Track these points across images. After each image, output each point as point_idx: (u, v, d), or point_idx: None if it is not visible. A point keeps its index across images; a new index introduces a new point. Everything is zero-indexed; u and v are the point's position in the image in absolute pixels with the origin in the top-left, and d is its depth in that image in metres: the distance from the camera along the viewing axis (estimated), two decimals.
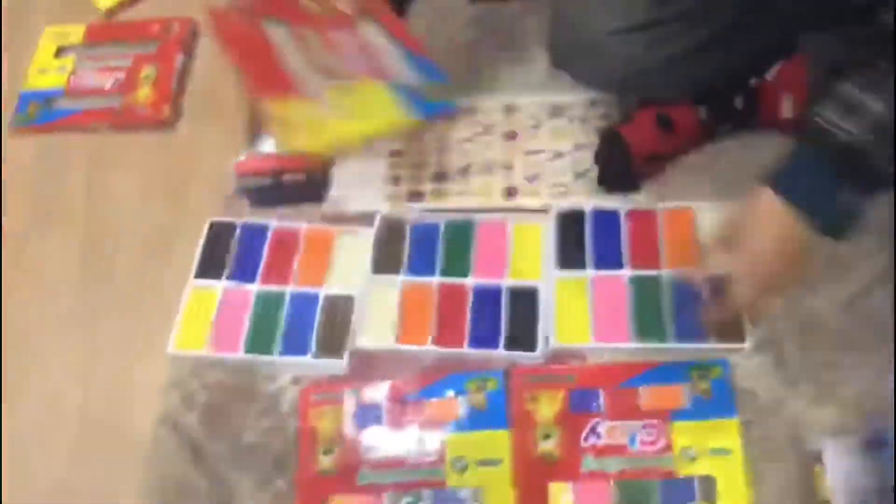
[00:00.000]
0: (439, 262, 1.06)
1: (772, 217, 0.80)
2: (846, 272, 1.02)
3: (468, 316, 1.02)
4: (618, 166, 1.06)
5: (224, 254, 1.09)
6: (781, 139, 1.09)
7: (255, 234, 1.11)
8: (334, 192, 1.15)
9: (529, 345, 0.99)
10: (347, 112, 1.02)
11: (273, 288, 1.06)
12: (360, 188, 1.15)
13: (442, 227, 1.09)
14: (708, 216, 1.05)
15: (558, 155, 1.15)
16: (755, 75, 1.07)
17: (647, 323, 0.99)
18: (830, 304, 1.01)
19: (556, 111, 1.18)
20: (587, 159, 1.12)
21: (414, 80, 1.05)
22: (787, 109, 1.08)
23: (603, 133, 1.09)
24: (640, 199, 1.09)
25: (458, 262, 1.06)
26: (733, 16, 0.99)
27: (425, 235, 1.09)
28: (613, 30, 1.00)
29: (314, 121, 1.00)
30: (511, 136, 1.17)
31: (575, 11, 1.04)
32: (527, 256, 1.06)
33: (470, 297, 1.03)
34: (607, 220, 1.08)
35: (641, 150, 1.05)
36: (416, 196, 1.14)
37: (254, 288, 1.06)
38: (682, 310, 1.00)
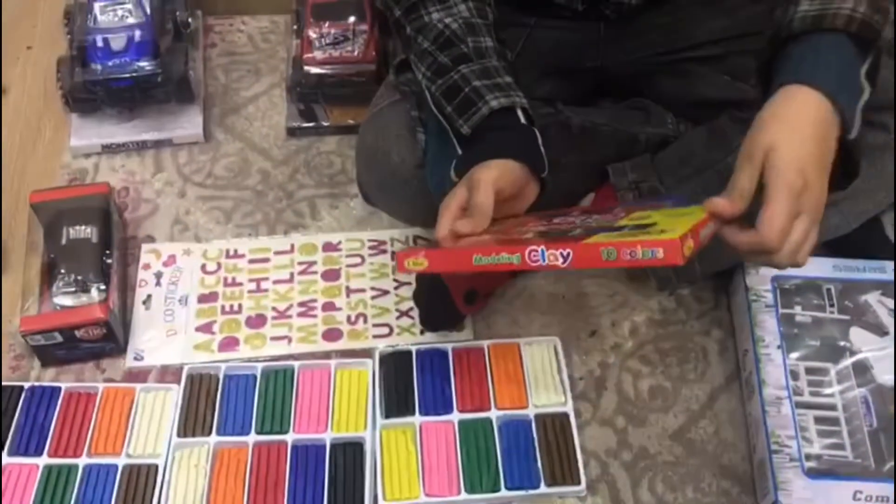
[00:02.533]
0: (255, 418, 0.97)
1: (807, 108, 0.71)
2: (672, 403, 1.02)
3: (287, 478, 0.93)
4: (437, 305, 1.03)
5: (7, 423, 0.96)
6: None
7: (44, 398, 0.98)
8: (137, 344, 1.04)
9: None
10: None
11: (63, 460, 0.94)
12: (167, 338, 1.05)
13: (258, 378, 1.01)
14: (533, 349, 1.04)
15: (382, 293, 1.10)
16: (571, 204, 1.08)
17: (478, 472, 0.94)
18: (659, 436, 1.00)
19: (377, 248, 1.14)
20: (411, 296, 1.09)
21: None
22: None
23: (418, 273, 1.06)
24: (465, 336, 1.06)
25: (276, 417, 0.98)
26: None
27: (239, 388, 1.00)
28: (419, 164, 0.98)
29: None
30: (332, 274, 1.12)
31: (375, 146, 1.02)
32: (351, 405, 1.00)
33: (289, 456, 0.95)
34: (434, 361, 1.03)
35: (459, 288, 1.02)
36: (230, 344, 1.05)
37: (40, 461, 0.93)
38: (513, 454, 0.96)
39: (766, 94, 0.74)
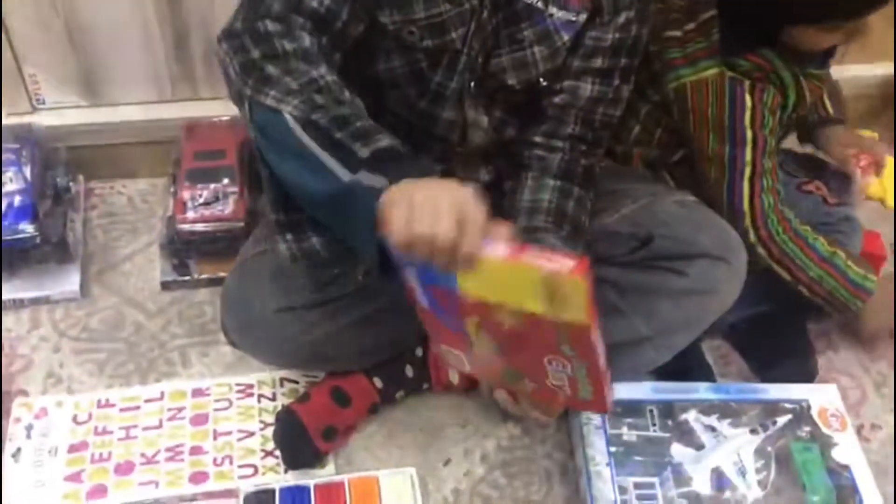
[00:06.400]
0: None
1: None
2: None
3: None
4: (296, 444, 1.10)
5: None
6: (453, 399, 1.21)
7: None
8: (5, 499, 1.07)
9: None
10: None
11: None
12: (35, 490, 1.08)
13: None
14: (391, 481, 1.11)
15: (248, 434, 1.17)
16: (421, 345, 1.18)
17: None
18: None
19: (245, 391, 1.21)
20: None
21: None
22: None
23: (277, 413, 1.13)
24: (328, 472, 1.12)
25: None
26: (391, 296, 1.11)
27: None
28: (278, 308, 1.07)
29: None
30: (200, 419, 1.18)
31: (238, 293, 1.11)
32: None
33: None
34: (297, 498, 1.09)
35: (317, 426, 1.09)
36: (98, 492, 1.09)
37: None
38: None
39: None
